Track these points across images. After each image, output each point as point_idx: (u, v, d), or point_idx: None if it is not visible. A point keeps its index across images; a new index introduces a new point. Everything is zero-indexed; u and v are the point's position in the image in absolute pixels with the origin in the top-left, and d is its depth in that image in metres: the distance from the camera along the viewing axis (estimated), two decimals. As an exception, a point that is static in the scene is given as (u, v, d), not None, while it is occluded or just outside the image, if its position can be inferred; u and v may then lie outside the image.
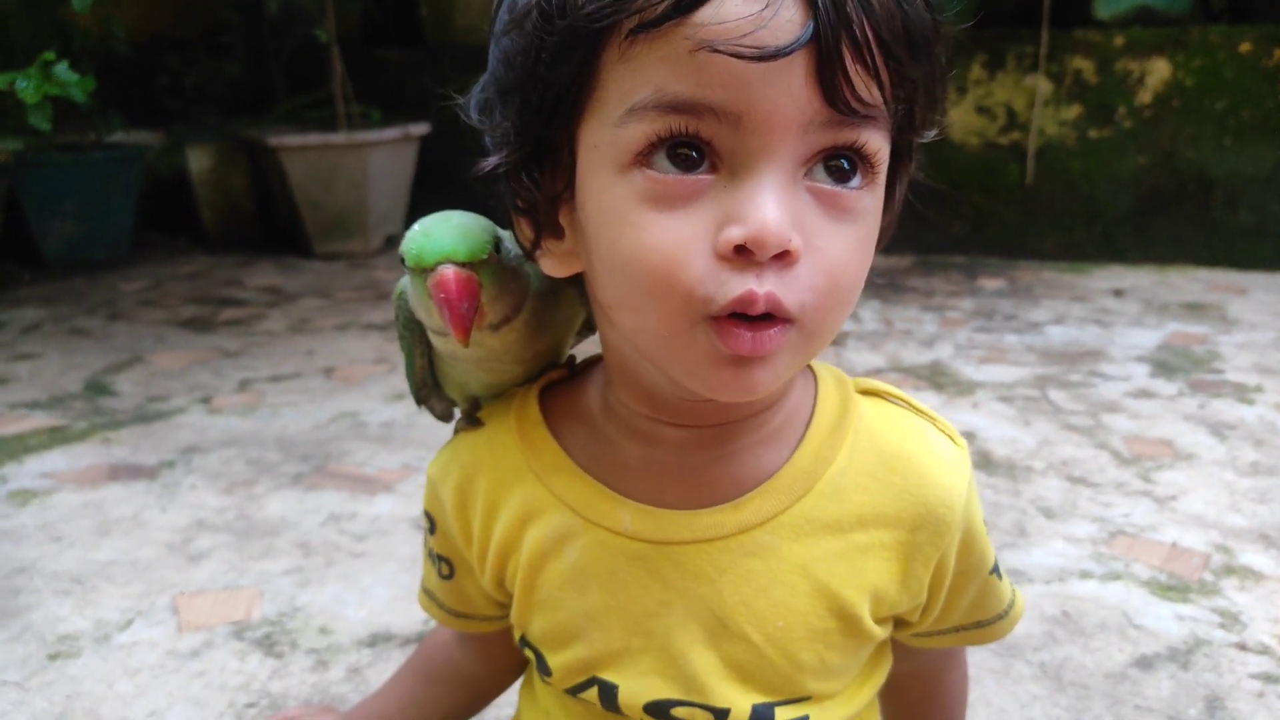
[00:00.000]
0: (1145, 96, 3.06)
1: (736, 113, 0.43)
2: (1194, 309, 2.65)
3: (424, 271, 0.53)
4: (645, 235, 0.45)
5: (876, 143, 0.46)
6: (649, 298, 0.46)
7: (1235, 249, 3.06)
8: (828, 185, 0.45)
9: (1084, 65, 3.09)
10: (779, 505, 0.55)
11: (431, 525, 0.68)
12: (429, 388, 0.66)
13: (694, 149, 0.44)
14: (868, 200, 0.47)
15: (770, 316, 0.45)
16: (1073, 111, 3.13)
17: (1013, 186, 3.23)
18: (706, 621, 0.56)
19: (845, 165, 0.46)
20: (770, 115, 0.43)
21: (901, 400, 0.60)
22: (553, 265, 0.53)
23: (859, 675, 0.62)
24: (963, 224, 3.29)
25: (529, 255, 0.54)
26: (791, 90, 0.43)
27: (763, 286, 0.44)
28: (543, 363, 0.63)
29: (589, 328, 0.65)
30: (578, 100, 0.46)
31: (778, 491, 0.56)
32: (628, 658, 0.58)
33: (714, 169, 0.44)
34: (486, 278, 0.53)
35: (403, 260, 0.54)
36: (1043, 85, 3.12)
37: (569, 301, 0.61)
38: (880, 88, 0.44)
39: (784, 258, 0.44)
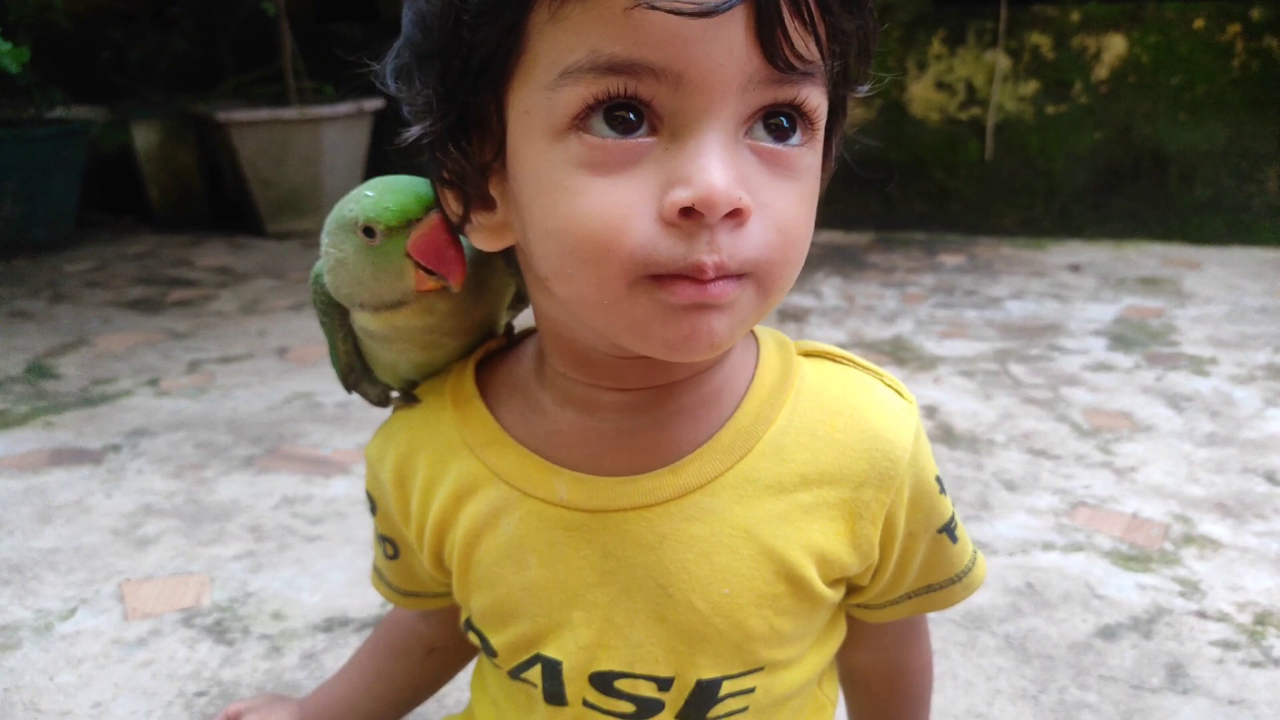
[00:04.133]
0: (1102, 72, 3.08)
1: (676, 72, 0.41)
2: (1150, 283, 2.68)
3: (407, 227, 0.51)
4: (582, 201, 0.43)
5: (816, 99, 0.45)
6: (585, 265, 0.44)
7: (1190, 224, 3.09)
8: (768, 143, 0.44)
9: (1041, 41, 3.10)
10: (719, 467, 0.54)
11: (373, 506, 0.66)
12: (357, 373, 0.64)
13: (631, 110, 0.42)
14: (809, 158, 0.47)
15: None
16: (1031, 87, 3.14)
17: (972, 163, 3.24)
18: (650, 591, 0.54)
19: (784, 123, 0.45)
20: (711, 74, 0.41)
21: (846, 359, 0.59)
22: (484, 239, 0.50)
23: (814, 642, 0.60)
24: (923, 201, 3.30)
25: (459, 229, 0.52)
26: (732, 48, 0.41)
27: (713, 255, 0.42)
28: (479, 336, 0.62)
29: (520, 300, 0.63)
30: (505, 64, 0.44)
31: (717, 453, 0.54)
32: (569, 631, 0.56)
33: (653, 131, 0.42)
34: None
35: (367, 230, 0.51)
36: (1002, 61, 3.13)
37: (499, 271, 0.59)
38: (817, 43, 0.43)
39: (735, 216, 0.43)
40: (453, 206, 0.50)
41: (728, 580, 0.54)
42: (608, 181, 0.43)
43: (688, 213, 0.42)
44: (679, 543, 0.54)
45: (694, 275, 0.43)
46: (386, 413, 0.67)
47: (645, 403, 0.54)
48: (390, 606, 0.78)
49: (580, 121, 0.42)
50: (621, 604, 0.55)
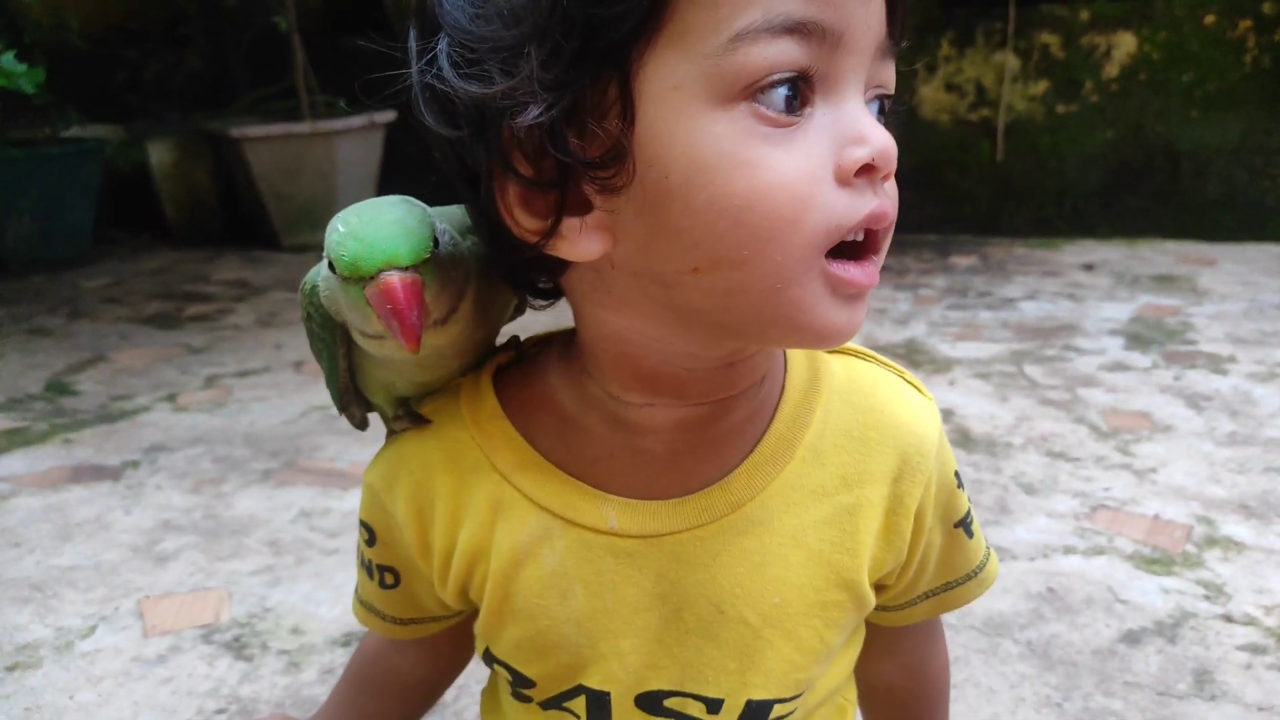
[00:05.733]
0: (1112, 70, 3.06)
1: (839, 32, 0.42)
2: (1165, 281, 2.66)
3: (361, 280, 0.47)
4: (765, 173, 0.42)
5: (892, 83, 0.47)
6: (769, 243, 0.42)
7: (1204, 221, 3.07)
8: (874, 114, 0.46)
9: (1051, 40, 3.09)
10: (766, 478, 0.53)
11: (371, 537, 0.62)
12: (350, 393, 0.59)
13: (801, 81, 0.42)
14: None
15: (871, 244, 0.46)
16: (1041, 87, 3.13)
17: (983, 164, 3.22)
18: (702, 610, 0.53)
19: (882, 104, 0.47)
20: (863, 36, 0.43)
21: (868, 355, 0.59)
22: (577, 247, 0.45)
23: (843, 649, 0.60)
24: (935, 202, 3.28)
25: (536, 246, 0.45)
26: (875, 12, 0.43)
27: (886, 199, 0.45)
28: (483, 352, 0.58)
29: (517, 311, 0.59)
30: (639, 38, 0.41)
31: (762, 463, 0.53)
32: (616, 660, 0.54)
33: (809, 102, 0.43)
34: (429, 274, 0.47)
35: (331, 267, 0.48)
36: (1011, 61, 3.12)
37: (502, 286, 0.55)
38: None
39: (888, 174, 0.45)
40: (527, 223, 0.45)
41: (778, 590, 0.53)
42: (783, 151, 0.42)
43: (863, 169, 0.43)
44: (732, 558, 0.53)
45: (876, 224, 0.44)
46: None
47: (701, 420, 0.53)
48: (357, 642, 0.74)
49: (754, 90, 0.41)
50: (673, 625, 0.54)
